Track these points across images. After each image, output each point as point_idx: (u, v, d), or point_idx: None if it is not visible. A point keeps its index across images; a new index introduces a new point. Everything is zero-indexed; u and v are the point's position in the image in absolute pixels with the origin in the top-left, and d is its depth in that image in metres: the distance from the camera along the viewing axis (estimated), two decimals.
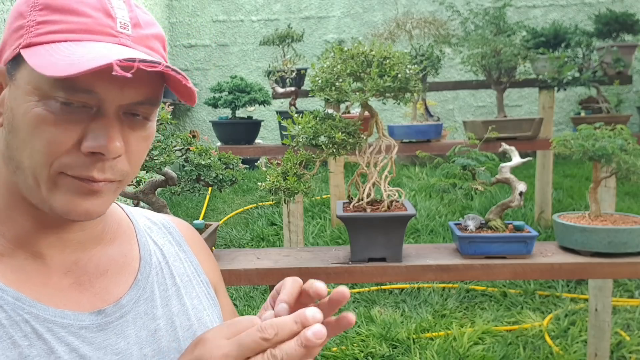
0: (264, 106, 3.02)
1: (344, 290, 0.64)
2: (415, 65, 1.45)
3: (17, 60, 0.65)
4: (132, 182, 1.53)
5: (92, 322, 0.69)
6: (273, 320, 0.59)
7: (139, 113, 0.68)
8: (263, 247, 4.03)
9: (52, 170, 0.64)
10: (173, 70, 0.64)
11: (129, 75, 0.58)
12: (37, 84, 0.63)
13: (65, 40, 0.63)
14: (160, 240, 0.86)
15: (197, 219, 4.52)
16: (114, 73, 0.58)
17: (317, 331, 0.57)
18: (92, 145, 0.64)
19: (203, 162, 1.52)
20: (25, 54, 0.63)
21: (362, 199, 1.48)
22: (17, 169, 0.66)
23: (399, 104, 1.45)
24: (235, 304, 3.11)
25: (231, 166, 1.59)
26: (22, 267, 0.68)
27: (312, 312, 0.59)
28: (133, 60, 0.59)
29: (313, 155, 1.43)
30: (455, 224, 1.61)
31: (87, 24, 0.64)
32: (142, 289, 0.77)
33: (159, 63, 0.62)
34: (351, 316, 0.63)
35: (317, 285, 0.65)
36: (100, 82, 0.63)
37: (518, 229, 1.55)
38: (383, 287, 3.49)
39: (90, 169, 0.65)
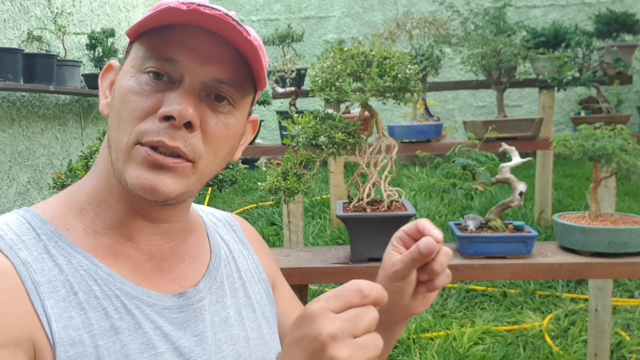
0: (264, 106, 3.01)
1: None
2: (415, 65, 1.45)
3: (128, 51, 0.74)
4: None
5: (174, 303, 0.73)
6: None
7: (223, 95, 0.72)
8: None
9: (131, 139, 0.68)
10: (234, 21, 0.68)
11: (184, 8, 0.64)
12: (134, 62, 0.71)
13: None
14: (226, 236, 0.91)
15: None
16: (173, 6, 0.65)
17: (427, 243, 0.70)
18: (164, 109, 0.68)
19: None
20: (126, 33, 0.72)
21: (362, 199, 1.48)
22: (110, 148, 0.71)
23: (399, 104, 1.45)
24: None
25: (231, 166, 1.59)
26: (113, 247, 0.72)
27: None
28: (192, 3, 0.65)
29: (313, 155, 1.43)
30: (455, 224, 1.61)
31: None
32: (213, 279, 0.81)
33: (220, 12, 0.67)
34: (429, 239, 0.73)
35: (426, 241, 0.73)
36: (182, 53, 0.69)
37: (518, 229, 1.54)
38: None
39: (161, 134, 0.68)
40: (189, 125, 0.69)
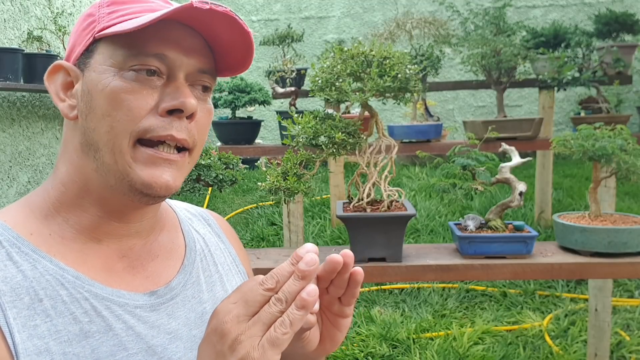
0: (264, 106, 3.02)
1: (335, 258, 0.64)
2: (415, 65, 1.45)
3: (89, 49, 0.71)
4: None
5: (145, 302, 0.73)
6: (273, 270, 0.60)
7: (204, 83, 0.73)
8: (263, 247, 4.03)
9: (132, 138, 0.68)
10: (237, 16, 0.70)
11: (207, 6, 0.65)
12: (112, 61, 0.69)
13: (136, 17, 0.69)
14: (202, 230, 0.90)
15: None
16: (195, 5, 0.64)
17: (309, 260, 0.59)
18: (169, 104, 0.68)
19: (203, 162, 1.52)
20: (103, 33, 0.69)
21: (362, 199, 1.48)
22: (95, 152, 0.70)
23: (399, 104, 1.45)
24: None
25: (231, 166, 1.59)
26: (81, 250, 0.71)
27: (306, 248, 0.61)
28: (206, 2, 0.65)
29: (313, 155, 1.43)
30: (455, 224, 1.61)
31: (151, 6, 0.72)
32: (188, 274, 0.80)
33: (227, 8, 0.68)
34: (357, 271, 0.66)
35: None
36: (169, 47, 0.69)
37: (518, 229, 1.55)
38: (383, 287, 3.49)
39: (169, 128, 0.68)
40: (190, 116, 0.70)
